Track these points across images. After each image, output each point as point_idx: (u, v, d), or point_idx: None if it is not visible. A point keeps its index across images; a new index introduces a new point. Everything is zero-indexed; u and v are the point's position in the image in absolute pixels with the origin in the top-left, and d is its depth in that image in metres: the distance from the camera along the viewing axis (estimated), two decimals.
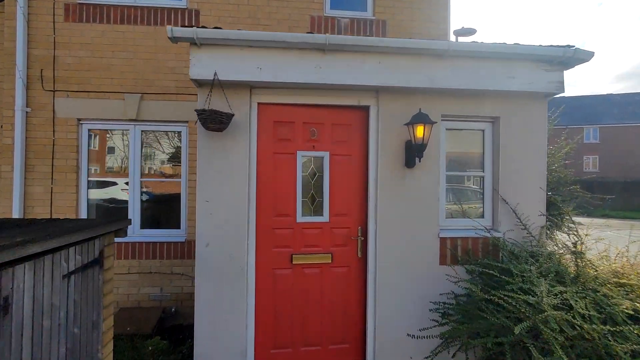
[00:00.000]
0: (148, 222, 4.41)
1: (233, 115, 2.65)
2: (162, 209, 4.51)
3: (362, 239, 3.09)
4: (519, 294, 2.24)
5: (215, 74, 2.62)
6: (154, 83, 4.32)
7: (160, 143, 4.55)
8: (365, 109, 3.09)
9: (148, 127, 4.40)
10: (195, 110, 2.48)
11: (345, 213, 3.10)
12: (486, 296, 2.33)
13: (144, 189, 4.44)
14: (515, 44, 2.92)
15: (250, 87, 2.87)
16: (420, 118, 2.70)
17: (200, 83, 2.78)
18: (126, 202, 4.36)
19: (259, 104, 2.94)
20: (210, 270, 2.80)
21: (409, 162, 2.97)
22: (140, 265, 4.28)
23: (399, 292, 2.99)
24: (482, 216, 3.26)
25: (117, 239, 4.35)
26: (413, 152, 2.90)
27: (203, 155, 2.80)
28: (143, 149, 4.42)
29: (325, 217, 3.07)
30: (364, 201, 3.11)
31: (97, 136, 4.46)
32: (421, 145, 2.72)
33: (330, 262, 3.06)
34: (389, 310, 2.98)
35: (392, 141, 3.00)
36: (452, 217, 3.28)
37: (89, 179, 4.33)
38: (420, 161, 2.80)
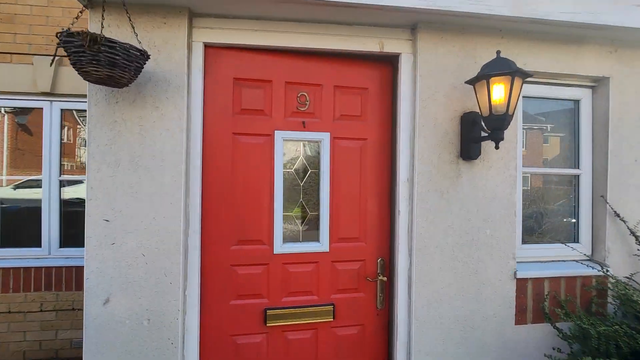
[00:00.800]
0: (74, 237, 3.11)
1: (146, 55, 1.36)
2: None
3: (385, 279, 1.84)
4: None
5: None
6: None
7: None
8: (393, 59, 1.84)
9: (70, 103, 3.09)
10: (56, 35, 1.18)
11: (356, 236, 1.85)
12: None
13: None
14: None
15: (189, 11, 1.59)
16: (502, 66, 1.45)
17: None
18: None
19: (206, 45, 1.66)
20: (112, 349, 1.52)
21: (468, 151, 1.73)
22: (59, 300, 3.03)
23: None
24: (574, 239, 2.04)
25: (21, 263, 3.18)
26: (476, 133, 1.66)
27: (95, 136, 1.51)
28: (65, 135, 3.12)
29: (322, 244, 1.81)
30: (387, 216, 1.86)
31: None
32: (502, 117, 1.47)
33: (331, 319, 1.81)
34: None
35: (438, 114, 1.74)
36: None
37: None
38: (497, 147, 1.54)
